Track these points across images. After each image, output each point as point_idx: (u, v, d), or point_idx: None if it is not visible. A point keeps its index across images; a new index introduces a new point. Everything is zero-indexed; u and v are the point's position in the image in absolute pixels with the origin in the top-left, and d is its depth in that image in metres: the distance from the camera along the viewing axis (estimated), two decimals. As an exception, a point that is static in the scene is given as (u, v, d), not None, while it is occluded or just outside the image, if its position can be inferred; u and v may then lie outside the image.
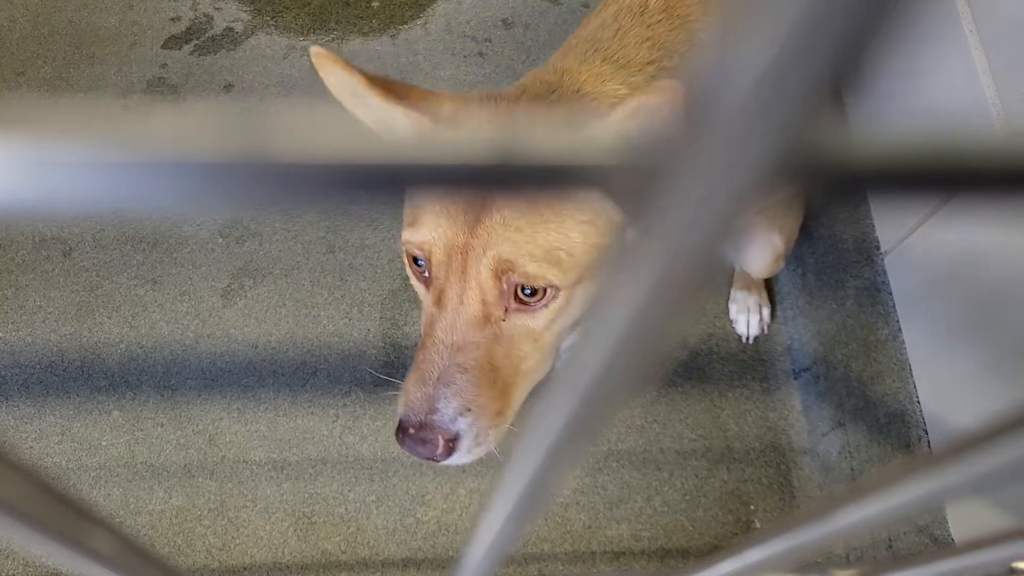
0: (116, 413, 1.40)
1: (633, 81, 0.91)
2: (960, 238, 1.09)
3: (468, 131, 0.14)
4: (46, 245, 1.51)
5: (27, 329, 1.46)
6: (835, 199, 0.14)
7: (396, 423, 0.83)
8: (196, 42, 1.69)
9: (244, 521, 1.35)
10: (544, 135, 0.14)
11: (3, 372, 1.44)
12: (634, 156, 0.13)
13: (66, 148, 0.12)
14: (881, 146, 0.13)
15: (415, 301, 1.50)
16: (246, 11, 1.73)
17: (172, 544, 1.34)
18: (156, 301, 1.48)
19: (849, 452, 1.34)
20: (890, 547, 1.25)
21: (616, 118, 0.73)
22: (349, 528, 1.35)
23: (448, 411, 0.81)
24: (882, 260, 1.30)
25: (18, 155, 0.12)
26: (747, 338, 1.51)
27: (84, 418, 1.41)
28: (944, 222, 1.12)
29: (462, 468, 1.39)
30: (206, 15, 1.71)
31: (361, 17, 1.75)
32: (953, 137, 0.13)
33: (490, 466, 1.40)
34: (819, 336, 1.45)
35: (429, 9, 1.76)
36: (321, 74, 0.79)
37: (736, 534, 1.40)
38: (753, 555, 0.26)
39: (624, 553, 1.36)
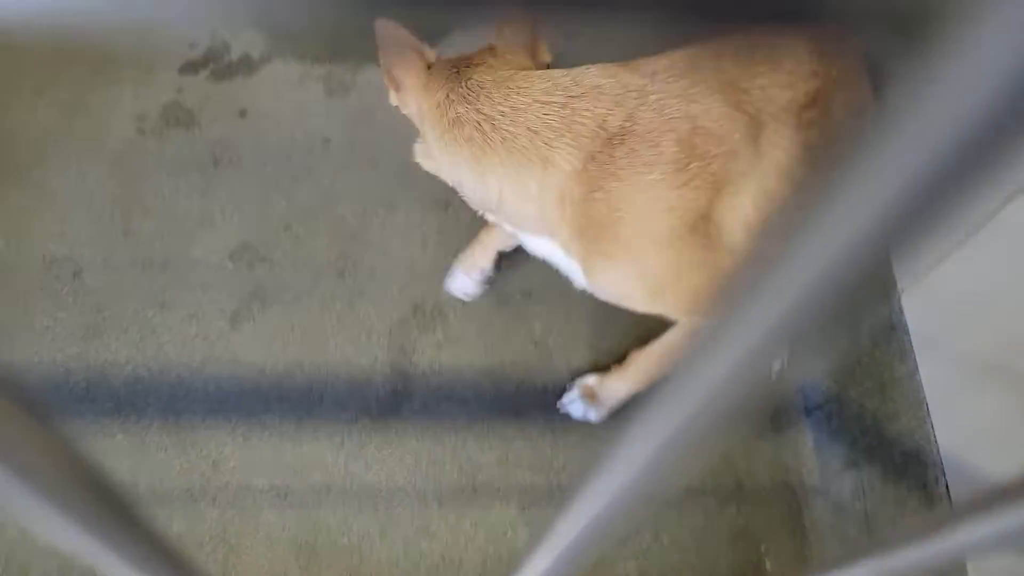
0: (120, 436, 1.39)
1: None
2: (979, 276, 1.07)
3: None
4: (56, 265, 1.51)
5: (34, 349, 1.45)
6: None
7: None
8: (213, 67, 1.70)
9: (246, 548, 1.33)
10: None
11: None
12: None
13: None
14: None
15: (423, 328, 1.49)
16: (263, 38, 1.74)
17: (171, 571, 1.31)
18: (164, 324, 1.48)
19: (863, 492, 1.31)
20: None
21: None
22: (352, 559, 1.33)
23: None
24: (899, 298, 1.28)
25: None
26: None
27: (88, 440, 1.39)
28: (963, 260, 1.10)
29: (467, 498, 1.37)
30: (224, 41, 1.73)
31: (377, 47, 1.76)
32: None
33: (496, 497, 1.38)
34: (832, 373, 1.43)
35: (447, 39, 1.77)
36: (379, 41, 1.07)
37: (746, 575, 1.37)
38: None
39: (632, 591, 1.34)
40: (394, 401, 1.44)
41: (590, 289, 1.21)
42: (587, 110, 0.98)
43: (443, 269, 1.54)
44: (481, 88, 1.04)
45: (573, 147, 0.99)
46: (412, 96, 1.13)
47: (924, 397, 1.22)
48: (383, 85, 1.70)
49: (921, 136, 0.14)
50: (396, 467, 1.39)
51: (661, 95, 0.99)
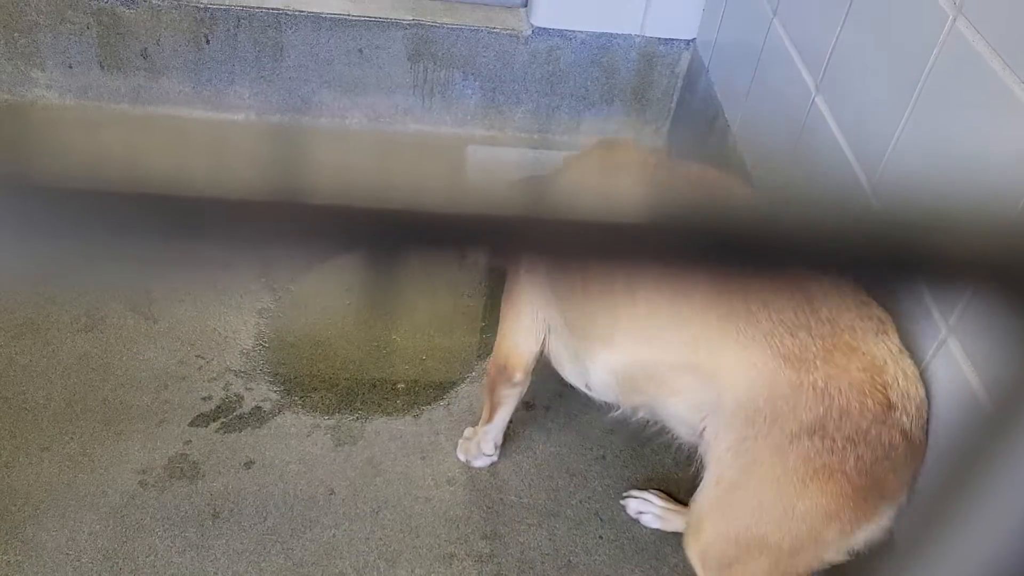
0: None
1: None
2: None
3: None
4: (31, 632, 1.40)
5: None
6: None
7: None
8: (223, 420, 1.72)
9: None
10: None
11: None
12: None
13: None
14: None
15: None
16: (276, 391, 1.78)
17: None
18: None
19: None
20: None
21: None
22: None
23: None
24: None
25: None
26: None
27: None
28: None
29: None
30: (237, 395, 1.77)
31: (386, 398, 1.80)
32: None
33: None
34: None
35: (453, 391, 1.82)
36: None
37: None
38: None
39: None
40: None
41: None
42: None
43: (447, 632, 1.43)
44: None
45: None
46: None
47: None
48: (392, 436, 1.71)
49: None
50: None
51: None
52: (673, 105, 2.50)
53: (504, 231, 0.21)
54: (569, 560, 1.55)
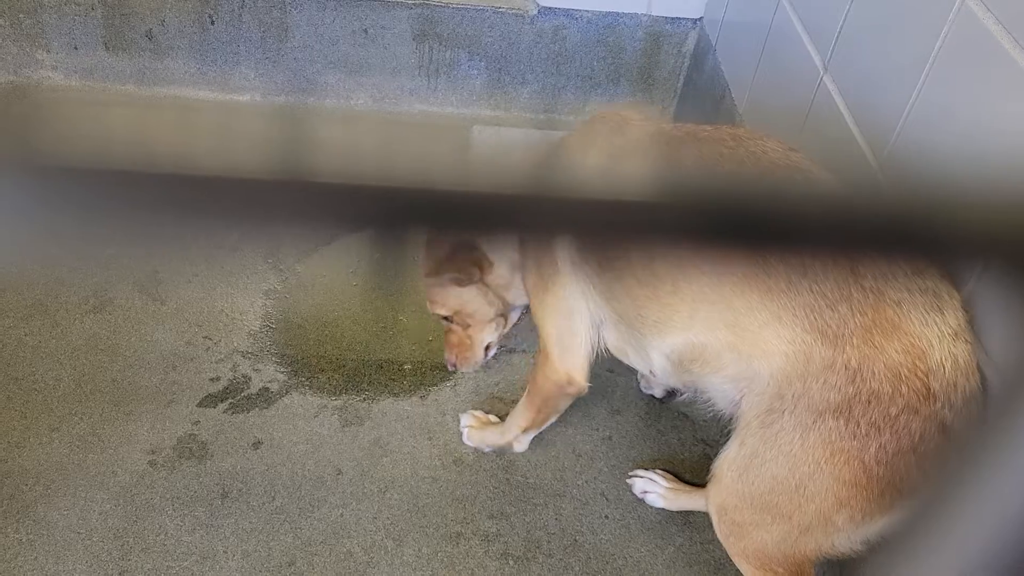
0: None
1: None
2: None
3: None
4: (44, 609, 1.42)
5: None
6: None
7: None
8: (231, 400, 1.73)
9: None
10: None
11: None
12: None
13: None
14: None
15: None
16: (283, 372, 1.79)
17: None
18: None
19: None
20: None
21: None
22: None
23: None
24: None
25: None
26: None
27: None
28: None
29: None
30: (244, 376, 1.78)
31: (393, 379, 1.80)
32: None
33: None
34: None
35: (459, 372, 1.82)
36: None
37: None
38: None
39: None
40: None
41: None
42: None
43: (454, 610, 1.44)
44: None
45: None
46: None
47: None
48: (399, 416, 1.72)
49: None
50: None
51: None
52: (680, 85, 2.48)
53: (510, 209, 0.21)
54: (575, 539, 1.56)
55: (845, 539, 1.11)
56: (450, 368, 1.68)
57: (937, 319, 1.01)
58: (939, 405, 0.99)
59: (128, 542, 1.51)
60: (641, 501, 1.62)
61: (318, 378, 1.79)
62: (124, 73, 2.37)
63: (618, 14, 2.32)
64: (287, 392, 1.76)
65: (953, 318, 1.02)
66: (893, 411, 1.00)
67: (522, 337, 1.87)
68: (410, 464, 1.66)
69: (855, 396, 1.00)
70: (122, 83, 2.39)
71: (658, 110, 2.52)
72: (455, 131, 2.45)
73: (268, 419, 1.71)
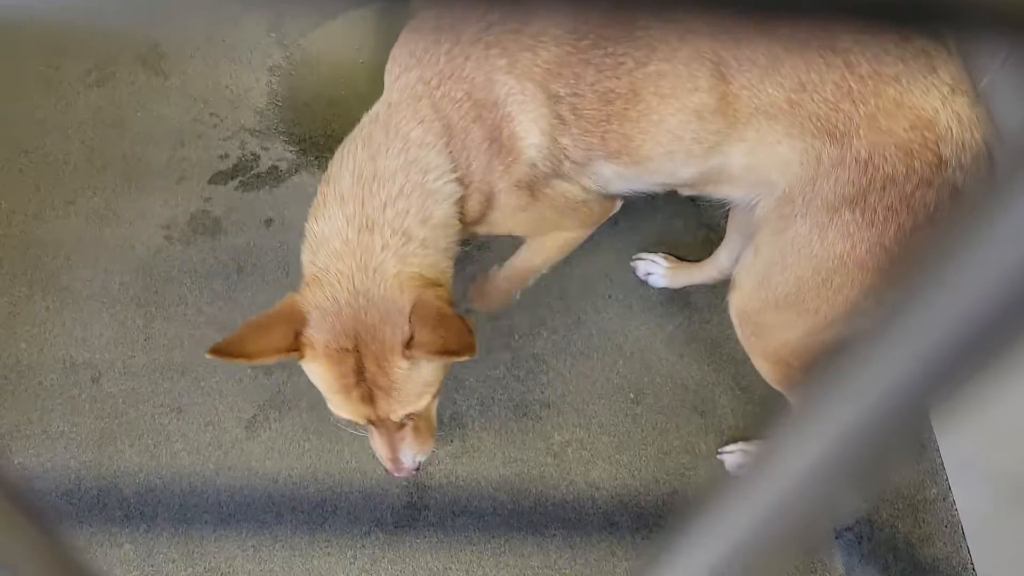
0: (128, 546, 1.36)
1: None
2: (1015, 397, 1.05)
3: None
4: (75, 370, 1.51)
5: (48, 455, 1.44)
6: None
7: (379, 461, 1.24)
8: (241, 178, 1.74)
9: (250, 670, 1.27)
10: None
11: (18, 498, 1.40)
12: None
13: None
14: None
15: (440, 438, 1.46)
16: (292, 151, 1.79)
17: None
18: (179, 431, 1.46)
19: (898, 621, 1.25)
20: None
21: None
22: None
23: (410, 458, 1.22)
24: (928, 416, 1.25)
25: None
26: None
27: (95, 551, 1.36)
28: (995, 380, 1.08)
29: (483, 621, 1.31)
30: (253, 154, 1.78)
31: (402, 159, 1.80)
32: None
33: (513, 620, 1.32)
34: (864, 495, 1.38)
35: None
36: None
37: None
38: None
39: None
40: (409, 514, 1.40)
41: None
42: None
43: (461, 377, 1.53)
44: None
45: None
46: None
47: (959, 520, 1.17)
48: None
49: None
50: (409, 584, 1.34)
51: None
52: None
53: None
54: (578, 317, 1.62)
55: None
56: (401, 474, 1.25)
57: (935, 81, 1.01)
58: (950, 170, 1.00)
59: (151, 311, 1.58)
60: (644, 283, 1.67)
61: (327, 157, 1.79)
62: None
63: None
64: (296, 171, 1.76)
65: (946, 73, 1.01)
66: (908, 189, 1.01)
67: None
68: (419, 243, 1.69)
69: (869, 185, 1.01)
70: None
71: None
72: None
73: (278, 197, 1.72)
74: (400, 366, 1.07)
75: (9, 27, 1.87)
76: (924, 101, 1.00)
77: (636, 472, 1.47)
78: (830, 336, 1.18)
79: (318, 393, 1.51)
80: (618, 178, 1.19)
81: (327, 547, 1.36)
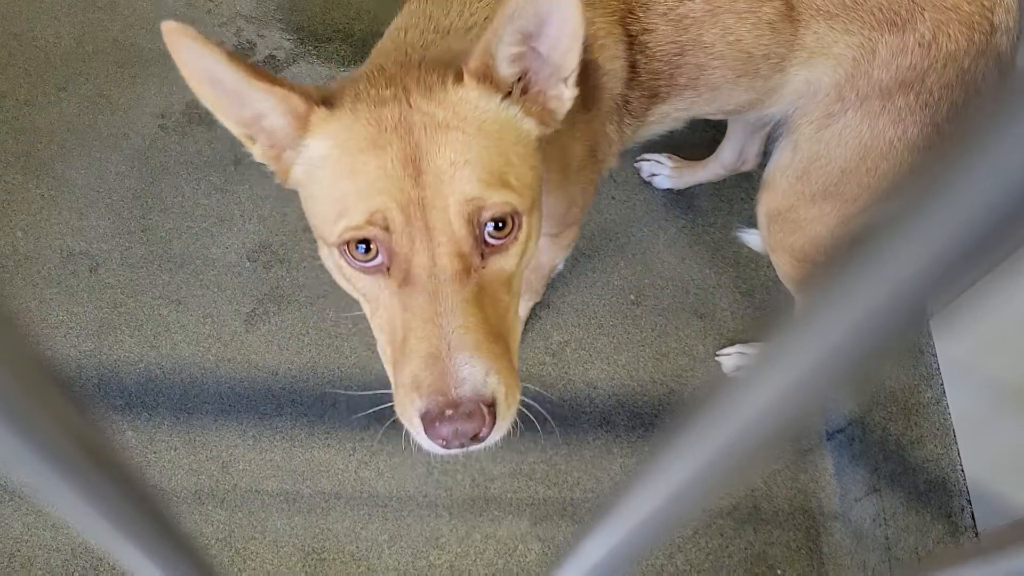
0: (130, 434, 1.38)
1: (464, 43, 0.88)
2: (1012, 298, 1.04)
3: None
4: (73, 260, 1.50)
5: (47, 344, 1.44)
6: None
7: (414, 421, 0.73)
8: (237, 67, 1.69)
9: (252, 553, 1.31)
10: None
11: (20, 385, 1.41)
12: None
13: None
14: None
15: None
16: (289, 40, 1.73)
17: (176, 573, 1.29)
18: (179, 322, 1.46)
19: (884, 519, 1.28)
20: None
21: None
22: (359, 567, 1.31)
23: (477, 374, 0.71)
24: (927, 320, 1.25)
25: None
26: None
27: (97, 437, 1.38)
28: (995, 286, 1.07)
29: (478, 510, 1.34)
30: (249, 41, 1.72)
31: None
32: None
33: (507, 510, 1.35)
34: (855, 396, 1.40)
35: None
36: (174, 55, 0.73)
37: (761, 599, 1.34)
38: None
39: (643, 612, 1.31)
40: (407, 408, 1.42)
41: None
42: None
43: (461, 276, 1.52)
44: None
45: None
46: None
47: (951, 423, 1.19)
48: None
49: None
50: (407, 475, 1.37)
51: None
52: None
53: None
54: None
55: None
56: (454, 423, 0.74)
57: None
58: (1000, 36, 1.00)
59: (147, 202, 1.56)
60: (648, 184, 1.64)
61: (325, 47, 1.74)
62: None
63: None
64: (294, 60, 1.71)
65: None
66: (967, 63, 0.99)
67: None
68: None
69: (930, 66, 0.99)
70: None
71: None
72: None
73: (276, 88, 1.68)
74: (466, 98, 0.76)
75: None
76: None
77: (633, 373, 1.48)
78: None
79: (318, 287, 1.50)
80: (670, 116, 1.13)
81: (326, 439, 1.39)
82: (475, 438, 0.72)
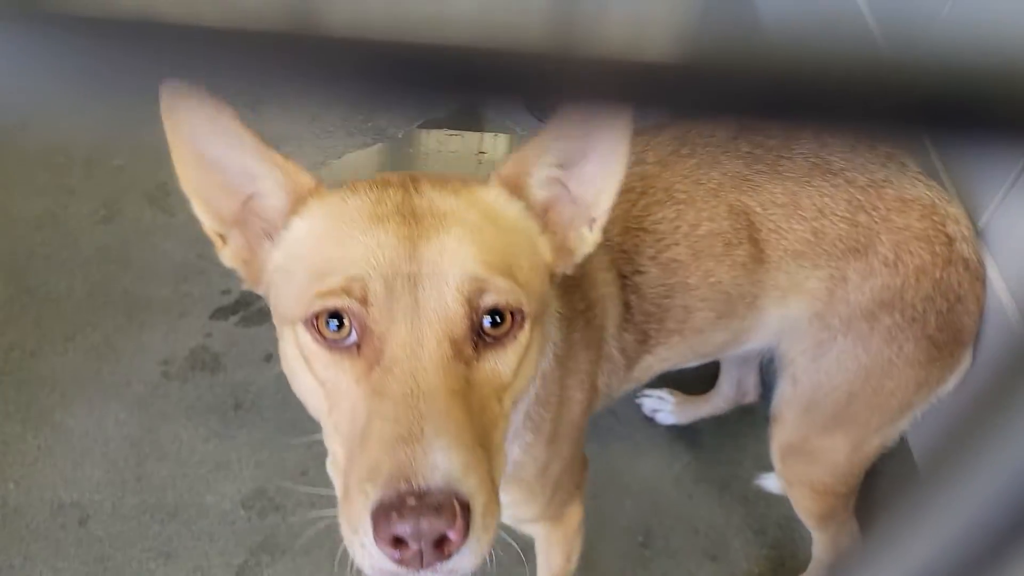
0: None
1: None
2: None
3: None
4: (63, 512, 1.45)
5: (26, 603, 1.36)
6: None
7: (361, 524, 0.59)
8: (243, 313, 1.74)
9: None
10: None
11: (-9, 652, 1.32)
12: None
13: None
14: None
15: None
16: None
17: None
18: (167, 577, 1.39)
19: None
20: None
21: None
22: None
23: (454, 465, 0.58)
24: None
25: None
26: None
27: None
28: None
29: None
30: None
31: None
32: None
33: None
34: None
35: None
36: (170, 123, 0.67)
37: None
38: None
39: None
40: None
41: None
42: None
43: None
44: None
45: None
46: None
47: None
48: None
49: None
50: None
51: None
52: None
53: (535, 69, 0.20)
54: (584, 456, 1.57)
55: (916, 415, 1.13)
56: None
57: (909, 171, 1.07)
58: (959, 244, 1.04)
59: (144, 450, 1.54)
60: (650, 420, 1.63)
61: (329, 293, 1.79)
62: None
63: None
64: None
65: (910, 163, 1.08)
66: (936, 274, 1.03)
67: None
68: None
69: (904, 283, 1.03)
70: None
71: None
72: None
73: (280, 333, 1.71)
74: (487, 196, 0.73)
75: (21, 161, 1.92)
76: (917, 191, 1.05)
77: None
78: (876, 444, 1.16)
79: (314, 537, 1.45)
80: (653, 368, 1.14)
81: None
82: (440, 547, 0.57)
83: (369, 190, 0.71)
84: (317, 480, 1.51)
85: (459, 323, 0.64)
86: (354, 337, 0.65)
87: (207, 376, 1.64)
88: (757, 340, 1.15)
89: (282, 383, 1.62)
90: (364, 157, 2.05)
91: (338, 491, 0.67)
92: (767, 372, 1.26)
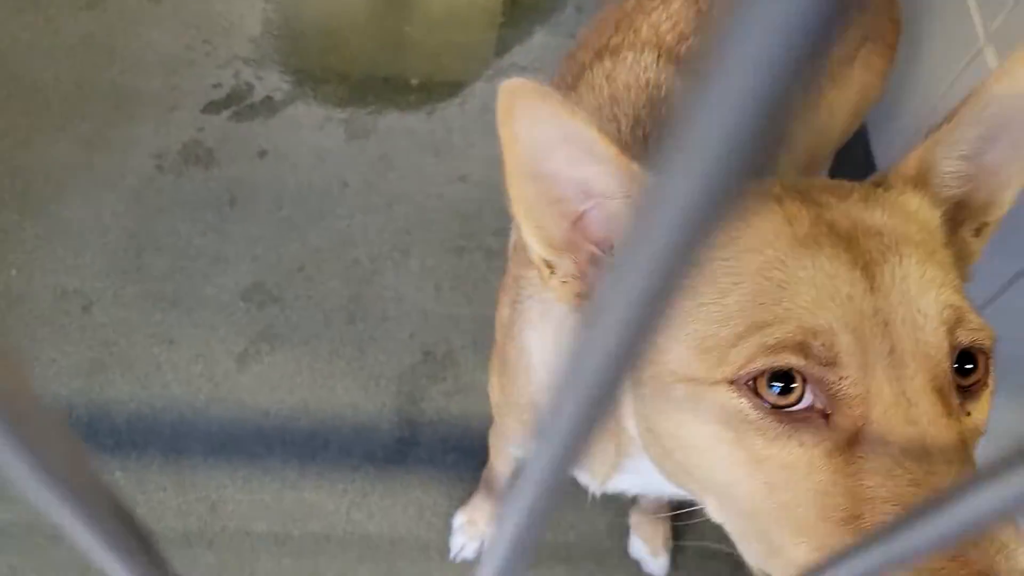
0: (119, 474, 1.36)
1: None
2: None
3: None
4: (66, 298, 1.49)
5: (38, 383, 1.43)
6: None
7: None
8: (235, 108, 1.71)
9: (240, 597, 1.28)
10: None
11: (8, 425, 1.40)
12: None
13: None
14: None
15: (433, 376, 1.46)
16: (287, 81, 1.75)
17: (162, 617, 1.27)
18: (170, 361, 1.45)
19: None
20: None
21: None
22: (349, 612, 1.28)
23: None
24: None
25: None
26: None
27: (85, 478, 1.36)
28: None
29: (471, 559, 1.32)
30: (247, 83, 1.74)
31: (399, 93, 1.77)
32: None
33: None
34: None
35: (467, 89, 1.78)
36: (507, 129, 0.50)
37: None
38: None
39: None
40: (400, 449, 1.40)
41: None
42: None
43: (456, 316, 1.52)
44: None
45: None
46: None
47: None
48: (405, 131, 1.70)
49: None
50: (399, 517, 1.35)
51: None
52: None
53: None
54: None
55: None
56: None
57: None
58: None
59: (142, 241, 1.56)
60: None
61: (322, 89, 1.75)
62: None
63: None
64: (291, 102, 1.73)
65: None
66: None
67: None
68: (416, 179, 1.67)
69: None
70: None
71: None
72: None
73: (272, 128, 1.69)
74: (908, 204, 0.58)
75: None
76: None
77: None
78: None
79: (311, 328, 1.50)
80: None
81: (318, 480, 1.37)
82: None
83: (767, 207, 0.54)
84: (313, 276, 1.54)
85: (945, 369, 0.50)
86: (811, 400, 0.50)
87: (201, 171, 1.63)
88: None
89: (277, 180, 1.63)
90: None
91: None
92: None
